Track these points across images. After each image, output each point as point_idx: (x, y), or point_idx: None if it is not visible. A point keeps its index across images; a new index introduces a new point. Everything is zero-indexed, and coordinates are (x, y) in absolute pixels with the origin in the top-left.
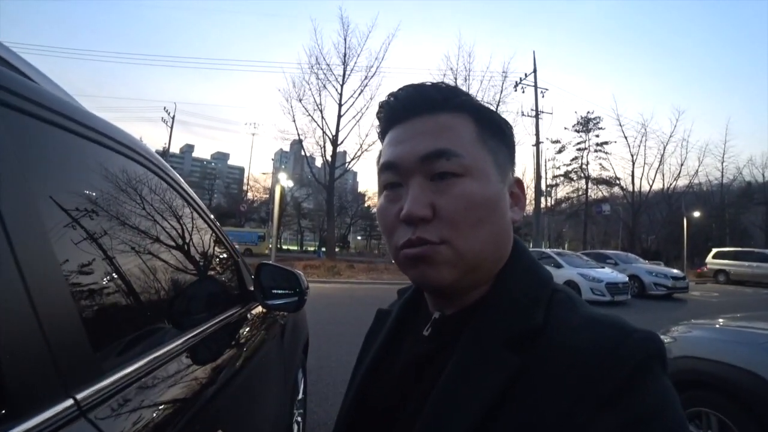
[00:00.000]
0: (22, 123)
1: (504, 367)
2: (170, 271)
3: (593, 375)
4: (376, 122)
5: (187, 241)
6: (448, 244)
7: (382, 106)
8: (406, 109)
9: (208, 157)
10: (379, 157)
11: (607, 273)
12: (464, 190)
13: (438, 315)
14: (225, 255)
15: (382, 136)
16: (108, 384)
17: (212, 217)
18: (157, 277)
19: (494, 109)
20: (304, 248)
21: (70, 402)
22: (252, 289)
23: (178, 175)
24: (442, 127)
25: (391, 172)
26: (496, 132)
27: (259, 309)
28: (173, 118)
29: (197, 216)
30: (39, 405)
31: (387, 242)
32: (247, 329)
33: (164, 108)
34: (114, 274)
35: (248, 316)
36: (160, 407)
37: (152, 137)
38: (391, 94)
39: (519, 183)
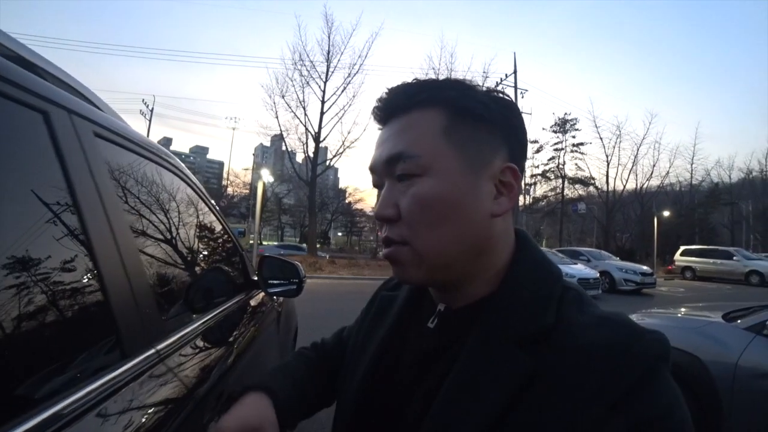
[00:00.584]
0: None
1: (517, 368)
2: (191, 260)
3: (606, 375)
4: (362, 120)
5: (204, 235)
6: (409, 245)
7: (372, 110)
8: (385, 111)
9: (187, 151)
10: None
11: (580, 269)
12: (419, 190)
13: (443, 308)
14: (232, 248)
15: None
16: (172, 341)
17: (219, 211)
18: (181, 265)
19: (480, 92)
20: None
21: (153, 350)
22: (255, 278)
23: (195, 178)
24: (405, 127)
25: (373, 174)
26: (470, 120)
27: (261, 296)
28: (152, 110)
29: (212, 214)
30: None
31: None
32: (252, 313)
33: (143, 100)
34: (163, 260)
35: (250, 302)
36: (206, 360)
37: None
38: (377, 98)
39: (511, 170)
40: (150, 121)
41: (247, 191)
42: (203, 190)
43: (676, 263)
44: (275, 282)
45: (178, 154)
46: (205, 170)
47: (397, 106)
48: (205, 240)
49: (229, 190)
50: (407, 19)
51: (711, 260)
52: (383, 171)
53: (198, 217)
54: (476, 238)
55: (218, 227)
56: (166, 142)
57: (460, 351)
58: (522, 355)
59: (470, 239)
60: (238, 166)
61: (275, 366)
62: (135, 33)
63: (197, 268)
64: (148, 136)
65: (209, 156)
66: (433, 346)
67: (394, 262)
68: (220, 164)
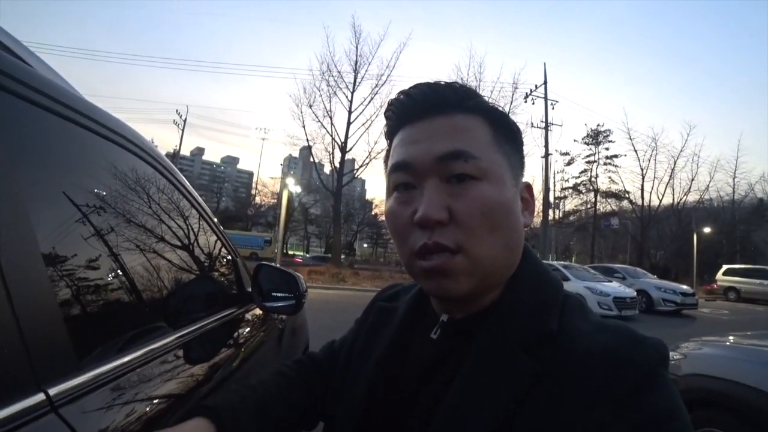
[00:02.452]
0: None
1: (521, 373)
2: (164, 269)
3: (608, 380)
4: (384, 122)
5: (183, 238)
6: (464, 251)
7: (393, 104)
8: (419, 108)
9: (218, 161)
10: (387, 156)
11: (615, 287)
12: (481, 193)
13: (446, 318)
14: (223, 254)
15: (390, 134)
16: (86, 380)
17: (211, 213)
18: (149, 274)
19: (506, 113)
20: (309, 254)
21: (41, 397)
22: (250, 290)
23: (176, 169)
24: (458, 128)
25: (404, 172)
26: (509, 136)
27: (257, 311)
28: (185, 120)
29: (195, 212)
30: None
31: (398, 246)
32: (243, 330)
33: (176, 111)
34: (102, 269)
35: (245, 317)
36: (142, 407)
37: (162, 139)
38: (402, 92)
39: (528, 187)
40: (183, 130)
41: (275, 201)
42: (184, 181)
43: (719, 283)
44: (273, 295)
45: (209, 164)
46: (235, 180)
47: (438, 105)
48: (180, 245)
49: (257, 199)
50: (435, 29)
51: (758, 281)
52: (429, 169)
53: (168, 213)
54: (516, 248)
55: (204, 229)
56: (199, 151)
57: (465, 358)
58: (526, 360)
59: (514, 248)
60: (268, 175)
61: (243, 384)
62: (169, 46)
63: (163, 280)
64: (180, 145)
65: (239, 166)
66: (436, 355)
67: (444, 275)
68: (250, 174)
